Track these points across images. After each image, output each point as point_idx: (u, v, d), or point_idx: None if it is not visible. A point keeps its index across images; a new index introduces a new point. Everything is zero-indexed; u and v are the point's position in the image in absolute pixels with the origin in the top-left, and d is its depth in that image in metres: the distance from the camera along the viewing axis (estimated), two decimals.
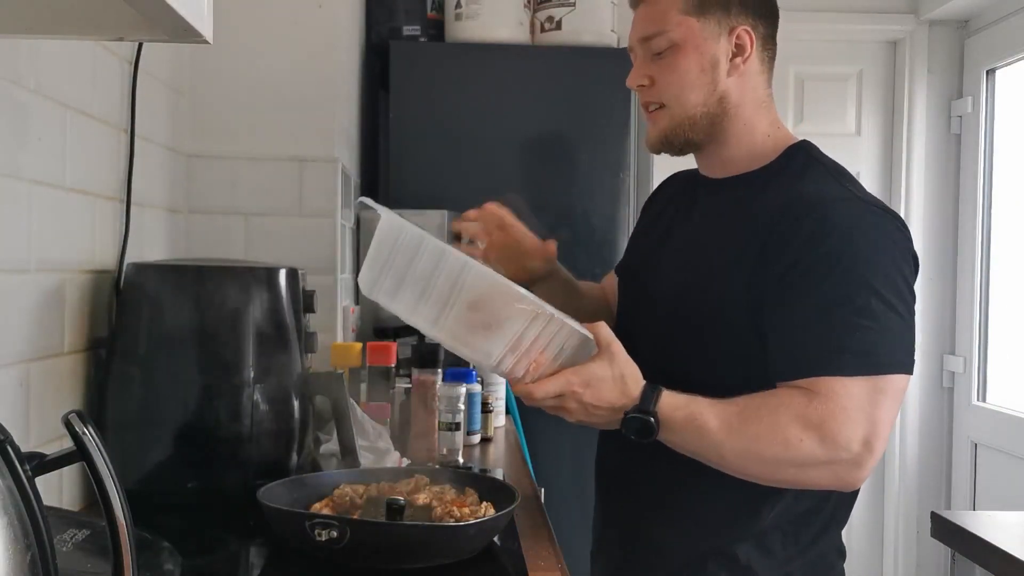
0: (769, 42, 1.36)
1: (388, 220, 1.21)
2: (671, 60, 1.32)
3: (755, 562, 1.30)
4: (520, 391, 1.18)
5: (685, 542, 1.34)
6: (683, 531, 1.34)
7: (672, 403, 1.19)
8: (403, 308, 1.18)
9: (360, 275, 1.23)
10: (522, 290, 1.15)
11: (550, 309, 1.15)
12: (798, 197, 1.26)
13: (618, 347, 1.19)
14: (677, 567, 1.34)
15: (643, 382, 1.20)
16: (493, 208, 1.54)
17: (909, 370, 1.21)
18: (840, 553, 1.36)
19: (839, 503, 1.32)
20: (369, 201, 1.26)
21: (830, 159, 1.35)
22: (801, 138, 1.38)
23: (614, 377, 1.18)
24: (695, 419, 1.18)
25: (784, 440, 1.16)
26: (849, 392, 1.16)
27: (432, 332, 1.17)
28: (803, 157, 1.34)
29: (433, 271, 1.16)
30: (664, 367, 1.25)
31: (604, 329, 1.20)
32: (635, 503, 1.41)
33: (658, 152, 1.38)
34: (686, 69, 1.32)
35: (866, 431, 1.16)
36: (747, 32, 1.33)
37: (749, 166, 1.36)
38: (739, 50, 1.33)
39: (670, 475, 1.31)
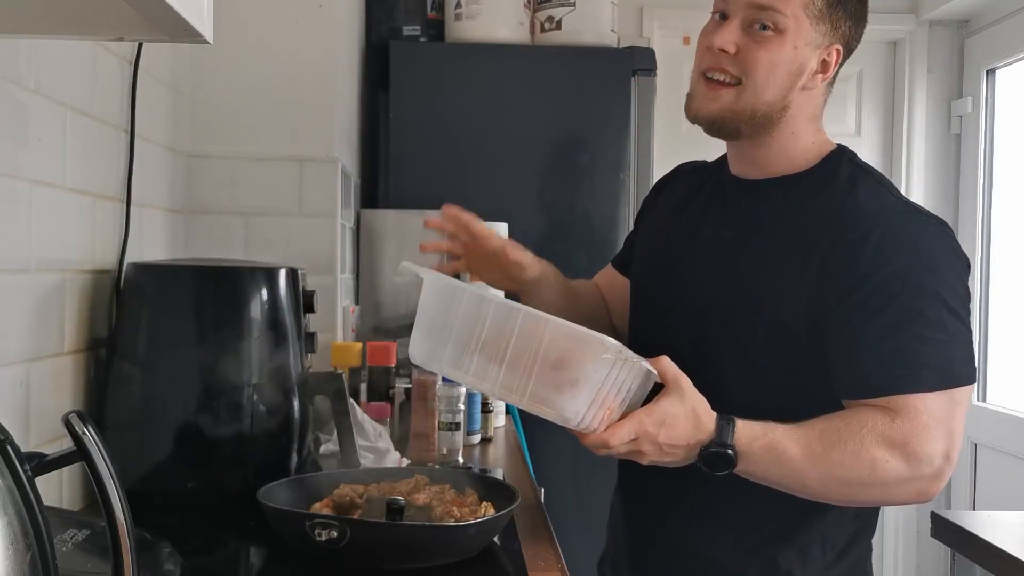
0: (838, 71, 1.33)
1: (439, 283, 1.14)
2: (770, 42, 1.25)
3: (796, 569, 1.28)
4: (592, 442, 1.12)
5: (726, 548, 1.31)
6: (723, 536, 1.31)
7: (749, 433, 1.16)
8: (472, 377, 1.11)
9: (411, 346, 1.16)
10: (604, 337, 1.08)
11: (628, 352, 1.09)
12: (857, 209, 1.24)
13: (686, 381, 1.16)
14: (716, 572, 1.31)
15: (715, 414, 1.16)
16: (455, 214, 1.46)
17: (976, 378, 1.22)
18: (869, 558, 1.35)
19: (871, 507, 1.31)
20: (411, 265, 1.20)
21: (870, 165, 1.34)
22: (837, 143, 1.35)
23: (687, 413, 1.14)
24: (775, 448, 1.16)
25: (870, 462, 1.15)
26: (929, 408, 1.16)
27: (510, 398, 1.10)
28: (848, 165, 1.31)
29: (500, 333, 1.07)
30: (701, 380, 1.18)
31: (668, 363, 1.16)
32: (666, 506, 1.36)
33: (699, 123, 1.31)
34: (780, 60, 1.26)
35: (946, 445, 1.16)
36: (837, 52, 1.30)
37: (787, 169, 1.32)
38: (823, 67, 1.29)
39: (707, 477, 1.24)
